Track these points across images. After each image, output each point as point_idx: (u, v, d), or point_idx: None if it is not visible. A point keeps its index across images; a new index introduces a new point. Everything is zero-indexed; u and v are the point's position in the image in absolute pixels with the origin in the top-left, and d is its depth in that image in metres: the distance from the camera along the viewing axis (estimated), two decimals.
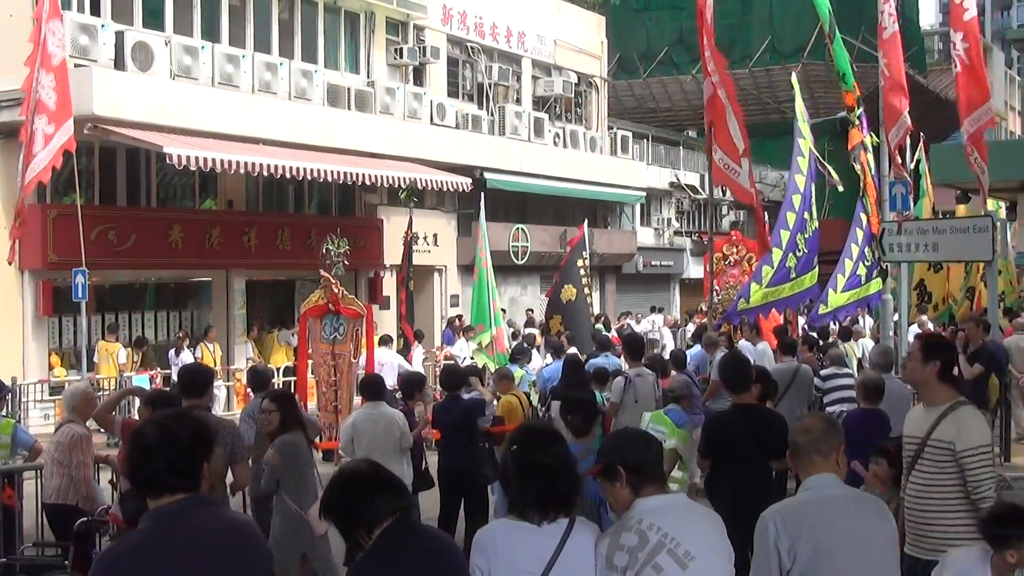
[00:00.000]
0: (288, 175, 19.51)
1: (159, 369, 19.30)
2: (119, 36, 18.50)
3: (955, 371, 5.96)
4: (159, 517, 3.50)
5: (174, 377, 18.41)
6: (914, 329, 19.36)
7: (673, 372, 12.66)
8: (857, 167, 15.18)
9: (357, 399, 15.64)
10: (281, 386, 17.47)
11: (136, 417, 11.97)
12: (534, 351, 18.40)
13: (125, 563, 3.48)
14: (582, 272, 20.16)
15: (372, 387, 9.70)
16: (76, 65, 17.14)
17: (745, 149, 14.60)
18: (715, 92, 14.76)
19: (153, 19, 19.75)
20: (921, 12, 51.31)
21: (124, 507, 7.25)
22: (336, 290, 14.83)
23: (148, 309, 21.27)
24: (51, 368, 18.56)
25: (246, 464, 7.83)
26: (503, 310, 21.83)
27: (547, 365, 16.05)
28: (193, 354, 19.16)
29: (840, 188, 19.17)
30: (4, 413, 10.30)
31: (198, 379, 7.94)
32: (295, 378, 18.53)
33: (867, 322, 22.29)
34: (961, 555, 5.12)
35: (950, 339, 18.04)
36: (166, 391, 10.58)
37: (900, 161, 15.18)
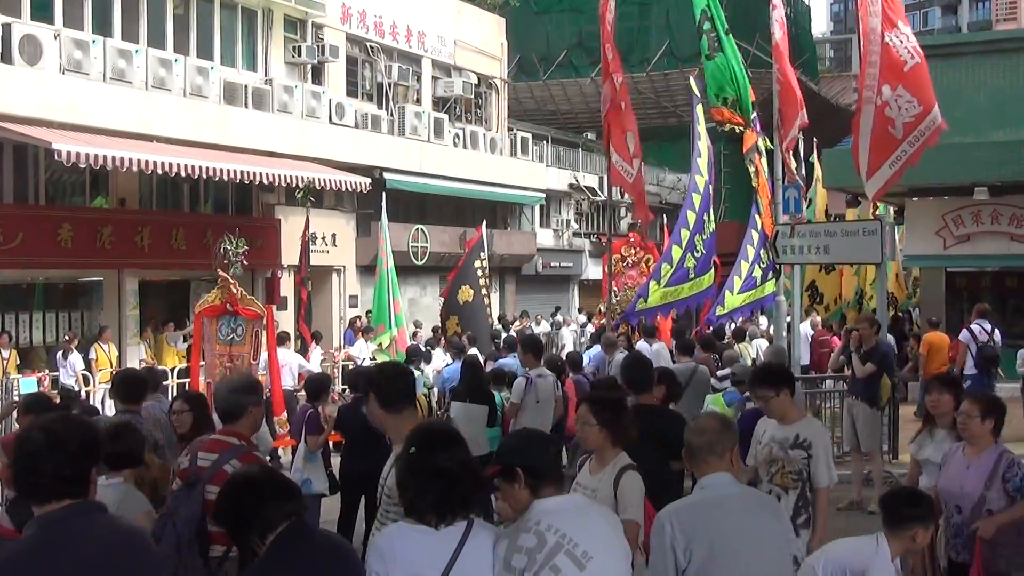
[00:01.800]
0: (183, 173, 19.14)
1: (47, 371, 18.77)
2: (6, 28, 17.95)
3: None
4: (45, 524, 3.40)
5: (62, 379, 17.96)
6: (806, 328, 19.85)
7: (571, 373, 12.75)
8: (752, 169, 15.45)
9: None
10: (175, 388, 17.13)
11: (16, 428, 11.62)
12: (436, 351, 18.36)
13: (9, 571, 3.36)
14: (479, 273, 20.17)
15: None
16: None
17: (636, 150, 14.78)
18: (613, 95, 14.91)
19: (42, 11, 19.20)
20: (813, 21, 52.50)
21: (12, 516, 7.03)
22: (234, 290, 14.55)
23: (36, 310, 20.70)
24: None
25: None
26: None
27: (447, 366, 16.04)
28: (85, 356, 18.70)
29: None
30: None
31: (136, 386, 7.84)
32: (188, 380, 18.17)
33: (763, 323, 22.74)
34: (843, 545, 5.26)
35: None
36: (44, 394, 10.31)
37: (793, 165, 15.52)
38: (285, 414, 15.01)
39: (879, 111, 11.71)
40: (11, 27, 17.96)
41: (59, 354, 18.74)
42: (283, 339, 17.88)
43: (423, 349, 17.84)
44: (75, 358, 18.36)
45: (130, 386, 7.78)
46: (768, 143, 15.65)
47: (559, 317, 30.85)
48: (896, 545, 5.10)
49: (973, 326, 16.68)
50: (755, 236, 15.54)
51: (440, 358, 17.97)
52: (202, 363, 14.90)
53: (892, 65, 11.62)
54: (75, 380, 18.06)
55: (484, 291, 20.09)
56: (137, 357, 20.63)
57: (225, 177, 20.15)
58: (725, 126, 14.88)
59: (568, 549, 4.00)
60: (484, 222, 22.97)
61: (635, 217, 15.42)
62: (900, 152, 11.66)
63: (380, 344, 19.47)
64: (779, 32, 15.03)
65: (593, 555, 4.02)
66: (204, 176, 19.83)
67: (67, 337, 19.26)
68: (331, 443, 10.65)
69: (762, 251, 15.28)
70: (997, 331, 16.82)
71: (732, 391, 10.50)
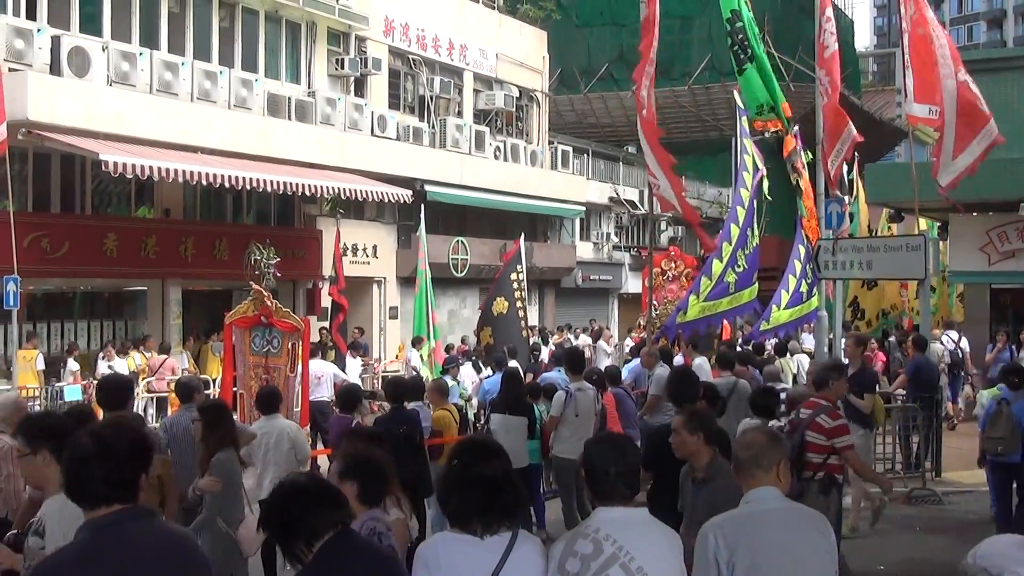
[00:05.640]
0: (226, 184, 19.32)
1: (92, 380, 18.96)
2: (55, 41, 18.22)
3: None
4: (95, 529, 3.43)
5: None
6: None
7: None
8: (794, 175, 15.34)
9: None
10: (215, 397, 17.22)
11: None
12: (467, 363, 18.38)
13: (58, 575, 3.41)
14: (515, 286, 20.17)
15: (268, 400, 9.71)
16: (11, 69, 16.88)
17: (670, 161, 14.63)
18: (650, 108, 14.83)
19: (90, 24, 19.48)
20: (856, 35, 52.16)
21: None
22: (269, 303, 14.54)
23: (81, 318, 20.93)
24: None
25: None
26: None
27: (487, 377, 16.04)
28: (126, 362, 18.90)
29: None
30: None
31: (118, 391, 7.86)
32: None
33: (808, 340, 22.46)
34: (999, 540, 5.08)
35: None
36: (87, 405, 10.45)
37: (833, 178, 15.38)
38: (308, 427, 15.07)
39: (961, 88, 11.63)
40: (60, 39, 18.22)
41: (102, 362, 18.93)
42: (319, 350, 17.95)
43: (459, 359, 17.87)
44: (118, 364, 18.54)
45: (112, 393, 7.84)
46: (810, 155, 15.54)
47: (597, 330, 30.61)
48: None
49: None
50: (802, 251, 15.45)
51: (470, 370, 17.97)
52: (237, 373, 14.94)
53: (957, 59, 11.66)
54: None
55: (519, 303, 20.09)
56: (180, 366, 20.80)
57: (268, 188, 20.31)
58: (767, 134, 14.74)
59: (623, 561, 4.00)
60: (522, 235, 22.98)
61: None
62: (979, 139, 11.60)
63: (422, 356, 19.53)
64: (833, 44, 14.76)
65: (649, 571, 4.03)
66: (247, 187, 20.00)
67: (107, 345, 19.49)
68: None
69: (808, 266, 15.18)
70: None
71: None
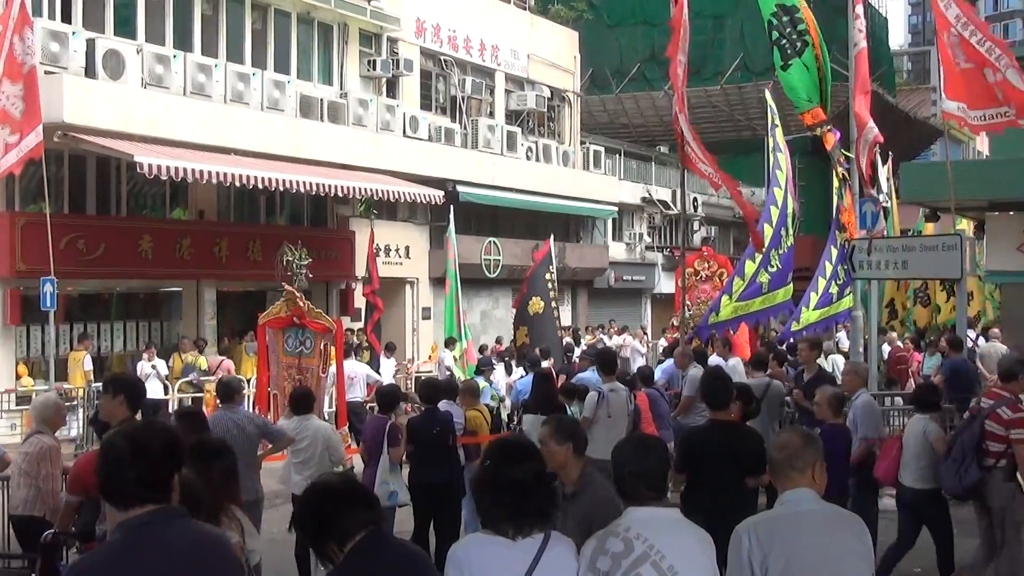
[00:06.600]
0: (260, 186, 19.41)
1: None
2: (90, 44, 18.38)
3: None
4: (129, 529, 3.44)
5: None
6: (884, 347, 19.53)
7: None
8: (842, 170, 15.20)
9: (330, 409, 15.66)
10: (252, 398, 17.32)
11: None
12: (500, 365, 18.38)
13: (92, 575, 3.42)
14: (549, 285, 20.18)
15: (302, 401, 9.77)
16: (46, 72, 17.00)
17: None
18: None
19: (125, 27, 19.64)
20: (890, 33, 51.77)
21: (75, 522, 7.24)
22: (301, 304, 14.61)
23: (117, 319, 21.09)
24: (18, 378, 18.35)
25: None
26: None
27: (520, 378, 16.03)
28: (167, 363, 19.03)
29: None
30: None
31: (230, 388, 9.36)
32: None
33: (843, 339, 22.32)
34: None
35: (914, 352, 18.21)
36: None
37: (884, 176, 15.16)
38: (346, 427, 15.11)
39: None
40: (95, 42, 18.38)
41: (140, 363, 19.07)
42: (352, 350, 18.00)
43: (493, 360, 17.86)
44: (160, 364, 18.68)
45: (226, 389, 8.14)
46: (847, 154, 15.42)
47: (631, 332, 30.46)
48: None
49: None
50: (833, 252, 15.32)
51: (502, 371, 17.97)
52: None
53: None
54: (162, 385, 18.44)
55: (554, 303, 20.09)
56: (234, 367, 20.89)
57: (301, 189, 20.40)
58: (816, 130, 14.52)
59: (654, 560, 3.99)
60: (552, 236, 22.95)
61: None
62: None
63: (455, 356, 19.55)
64: (862, 42, 14.62)
65: (680, 570, 4.02)
66: (280, 188, 20.09)
67: (147, 346, 19.64)
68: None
69: (840, 267, 15.05)
70: None
71: None
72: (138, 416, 7.25)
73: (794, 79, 13.78)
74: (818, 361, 16.87)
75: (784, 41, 14.10)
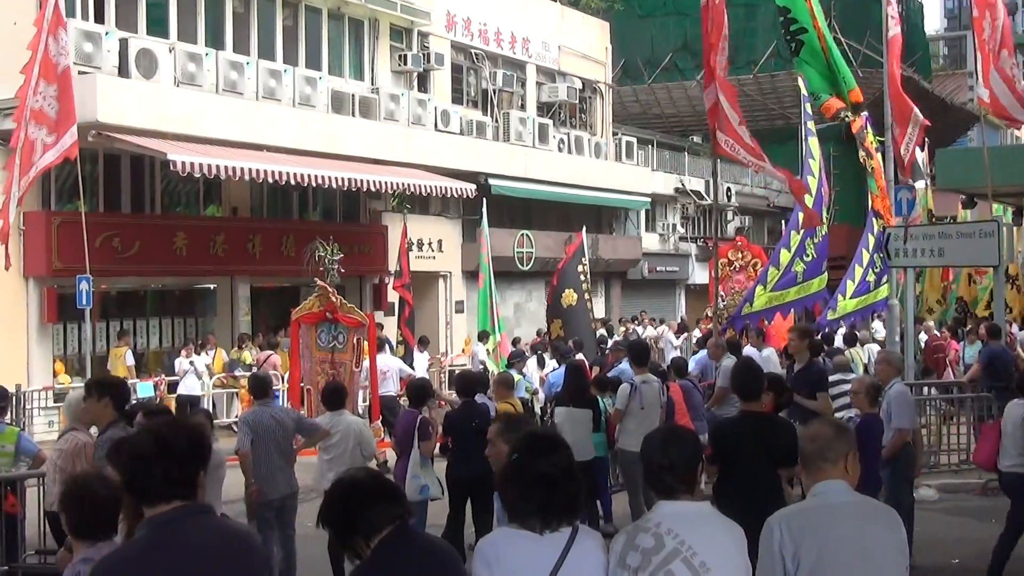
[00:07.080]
0: (292, 182, 19.51)
1: (163, 376, 19.27)
2: (123, 43, 18.51)
3: None
4: (155, 526, 3.46)
5: (184, 383, 18.47)
6: (921, 336, 19.34)
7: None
8: (863, 154, 15.03)
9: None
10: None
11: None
12: (533, 357, 18.35)
13: (121, 571, 3.44)
14: (582, 278, 20.14)
15: (334, 395, 9.77)
16: (80, 72, 17.13)
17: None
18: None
19: (157, 26, 19.77)
20: (926, 18, 51.21)
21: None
22: (334, 298, 14.65)
23: (152, 316, 21.26)
24: (55, 375, 18.55)
25: None
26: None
27: (553, 371, 16.01)
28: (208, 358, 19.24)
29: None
30: (8, 421, 10.22)
31: (263, 384, 9.51)
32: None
33: (879, 328, 22.11)
34: None
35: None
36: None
37: (923, 159, 14.94)
38: (379, 421, 15.15)
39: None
40: (128, 42, 18.51)
41: (177, 360, 19.23)
42: (384, 344, 18.04)
43: (525, 352, 17.82)
44: (198, 360, 18.84)
45: (259, 384, 8.17)
46: (879, 139, 15.25)
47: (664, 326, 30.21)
48: None
49: None
50: (870, 240, 15.17)
51: (534, 364, 17.92)
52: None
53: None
54: (201, 382, 18.61)
55: (587, 295, 20.03)
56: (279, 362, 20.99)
57: (333, 185, 20.46)
58: (841, 115, 14.33)
59: (686, 556, 3.94)
60: (584, 228, 22.88)
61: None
62: None
63: (488, 349, 19.55)
64: (894, 28, 14.44)
65: (711, 567, 3.95)
66: (313, 184, 20.17)
67: (189, 342, 19.82)
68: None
69: (876, 256, 14.90)
70: None
71: None
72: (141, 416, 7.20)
73: (807, 76, 13.70)
74: (854, 351, 16.81)
75: (788, 37, 13.97)
